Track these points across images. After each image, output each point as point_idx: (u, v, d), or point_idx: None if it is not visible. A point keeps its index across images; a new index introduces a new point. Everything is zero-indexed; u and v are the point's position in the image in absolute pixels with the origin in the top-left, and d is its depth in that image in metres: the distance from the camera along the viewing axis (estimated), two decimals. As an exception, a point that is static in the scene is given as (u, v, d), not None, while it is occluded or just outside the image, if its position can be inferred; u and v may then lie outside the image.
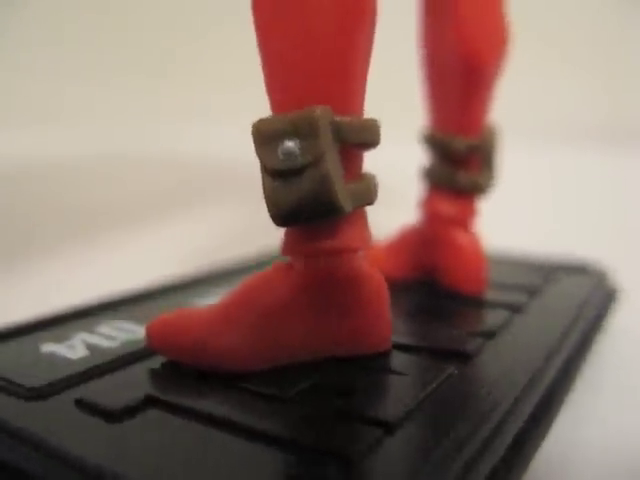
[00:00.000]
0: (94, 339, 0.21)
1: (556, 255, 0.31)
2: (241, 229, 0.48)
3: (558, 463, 0.19)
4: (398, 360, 0.19)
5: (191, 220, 0.53)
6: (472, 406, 0.16)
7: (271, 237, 0.19)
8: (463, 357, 0.19)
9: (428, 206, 0.26)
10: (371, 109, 0.18)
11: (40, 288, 0.34)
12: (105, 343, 0.20)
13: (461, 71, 0.24)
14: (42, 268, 0.39)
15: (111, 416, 0.16)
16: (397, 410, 0.15)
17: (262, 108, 0.18)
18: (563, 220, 0.45)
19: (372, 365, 0.18)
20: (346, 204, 0.17)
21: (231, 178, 0.63)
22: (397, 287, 0.23)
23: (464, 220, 0.25)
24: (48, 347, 0.20)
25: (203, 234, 0.48)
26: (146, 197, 0.62)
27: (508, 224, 0.37)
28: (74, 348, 0.20)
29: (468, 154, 0.24)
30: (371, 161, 0.19)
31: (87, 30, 0.99)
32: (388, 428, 0.15)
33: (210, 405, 0.16)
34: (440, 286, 0.25)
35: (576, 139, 0.68)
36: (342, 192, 0.17)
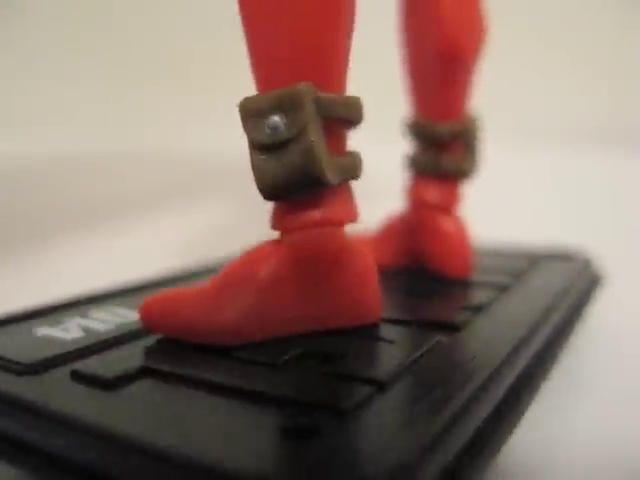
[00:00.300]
0: (89, 323, 0.21)
1: (543, 244, 0.31)
2: (238, 222, 0.49)
3: (535, 452, 0.19)
4: (387, 330, 0.19)
5: (189, 214, 0.54)
6: (458, 369, 0.17)
7: (267, 229, 0.19)
8: (451, 328, 0.19)
9: (413, 193, 0.26)
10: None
11: (39, 279, 0.35)
12: (100, 326, 0.20)
13: (441, 58, 0.24)
14: (41, 259, 0.39)
15: (106, 385, 0.16)
16: (387, 370, 0.16)
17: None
18: (558, 217, 0.46)
19: (362, 334, 0.19)
20: (331, 176, 0.17)
21: (230, 173, 0.64)
22: (386, 272, 0.24)
23: (449, 205, 0.26)
24: (43, 330, 0.20)
25: (200, 228, 0.49)
26: (145, 192, 0.63)
27: (504, 221, 0.37)
28: (69, 330, 0.20)
29: (451, 139, 0.25)
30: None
31: (86, 27, 1.00)
32: (379, 386, 0.15)
33: (204, 372, 0.16)
34: (428, 271, 0.26)
35: (575, 139, 0.69)
36: (327, 164, 0.17)
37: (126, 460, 0.13)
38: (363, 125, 0.19)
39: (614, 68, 0.80)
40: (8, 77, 0.97)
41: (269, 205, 0.19)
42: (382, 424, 0.14)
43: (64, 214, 0.54)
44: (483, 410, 0.15)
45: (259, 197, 0.18)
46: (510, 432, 0.16)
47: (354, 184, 0.19)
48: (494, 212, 0.29)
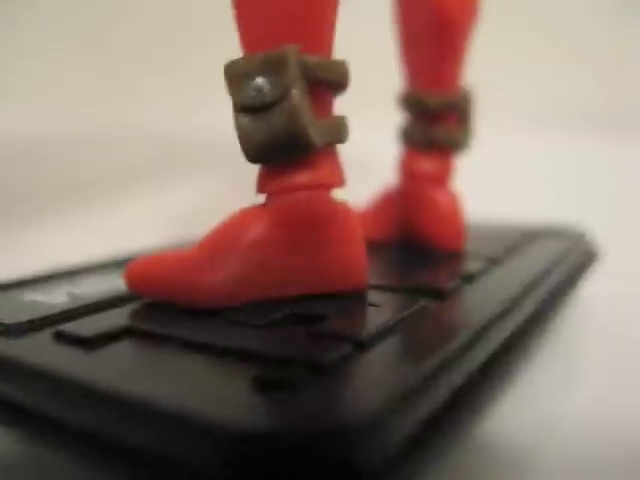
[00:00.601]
0: (77, 289, 0.21)
1: (538, 220, 0.31)
2: (224, 199, 0.49)
3: (524, 431, 0.19)
4: (373, 296, 0.19)
5: (174, 190, 0.54)
6: (440, 331, 0.17)
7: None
8: (437, 294, 0.19)
9: (405, 165, 0.26)
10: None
11: (22, 256, 0.35)
12: (88, 291, 0.20)
13: (433, 28, 0.24)
14: (25, 236, 0.40)
15: (88, 343, 0.16)
16: (369, 330, 0.16)
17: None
18: (554, 198, 0.46)
19: (348, 298, 0.18)
20: (316, 138, 0.17)
21: (216, 152, 0.64)
22: (377, 245, 0.24)
23: (442, 177, 0.26)
24: (30, 296, 0.20)
25: (186, 204, 0.49)
26: (130, 169, 0.63)
27: (499, 200, 0.37)
28: (56, 296, 0.20)
29: (444, 111, 0.25)
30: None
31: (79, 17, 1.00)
32: (359, 344, 0.15)
33: (187, 332, 0.16)
34: (420, 243, 0.26)
35: (573, 121, 0.68)
36: (311, 126, 0.17)
37: (106, 413, 0.13)
38: (354, 98, 0.19)
39: (613, 51, 0.79)
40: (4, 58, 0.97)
41: (254, 182, 0.19)
42: (359, 379, 0.14)
43: (48, 192, 0.54)
44: (463, 369, 0.15)
45: (245, 174, 0.18)
46: (491, 395, 0.16)
47: (346, 159, 0.19)
48: (489, 192, 0.29)
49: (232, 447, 0.11)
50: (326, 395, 0.13)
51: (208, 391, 0.13)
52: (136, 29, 0.97)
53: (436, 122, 0.25)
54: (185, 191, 0.55)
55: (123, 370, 0.14)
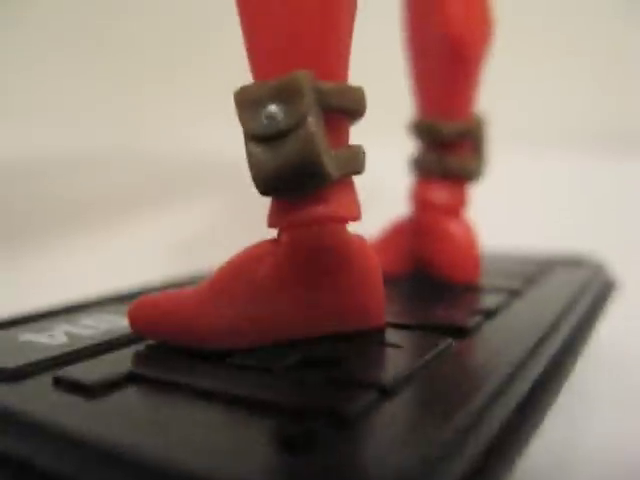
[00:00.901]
0: (75, 329, 0.20)
1: (554, 249, 0.30)
2: (232, 225, 0.48)
3: (552, 462, 0.18)
4: (393, 335, 0.18)
5: (182, 215, 0.53)
6: (468, 375, 0.16)
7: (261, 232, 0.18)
8: (461, 332, 0.18)
9: (419, 195, 0.25)
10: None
11: (28, 280, 0.34)
12: (86, 332, 0.19)
13: (447, 56, 0.23)
14: (32, 260, 0.39)
15: (90, 392, 0.15)
16: (393, 375, 0.15)
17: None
18: (563, 222, 0.45)
19: (365, 339, 0.17)
20: (331, 169, 0.16)
21: (224, 175, 0.63)
22: (391, 278, 0.23)
23: (456, 208, 0.25)
24: (26, 336, 0.19)
25: (193, 229, 0.48)
26: (137, 192, 0.62)
27: (508, 225, 0.36)
28: (54, 337, 0.19)
29: (458, 139, 0.24)
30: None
31: (82, 27, 0.99)
32: (384, 392, 0.14)
33: (195, 378, 0.15)
34: (434, 276, 0.25)
35: (584, 143, 0.68)
36: (327, 156, 0.16)
37: (108, 469, 0.12)
38: (366, 125, 0.18)
39: (615, 71, 0.79)
40: (7, 73, 0.97)
41: (263, 207, 0.18)
42: (386, 432, 0.13)
43: (47, 214, 0.53)
44: (495, 417, 0.14)
45: (253, 199, 0.17)
46: (525, 442, 0.15)
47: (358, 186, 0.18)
48: (501, 217, 0.28)
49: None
50: (352, 453, 0.12)
51: (224, 449, 0.12)
52: (137, 50, 0.97)
53: (449, 151, 0.24)
54: (186, 214, 0.54)
55: (129, 423, 0.13)
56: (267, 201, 0.18)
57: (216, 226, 0.49)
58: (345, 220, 0.17)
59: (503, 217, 0.41)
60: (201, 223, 0.50)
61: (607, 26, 0.79)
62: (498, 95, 0.25)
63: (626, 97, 0.76)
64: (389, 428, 0.13)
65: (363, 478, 0.11)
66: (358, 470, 0.11)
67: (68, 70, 0.97)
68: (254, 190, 0.17)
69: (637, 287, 0.29)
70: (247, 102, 0.16)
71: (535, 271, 0.26)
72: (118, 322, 0.20)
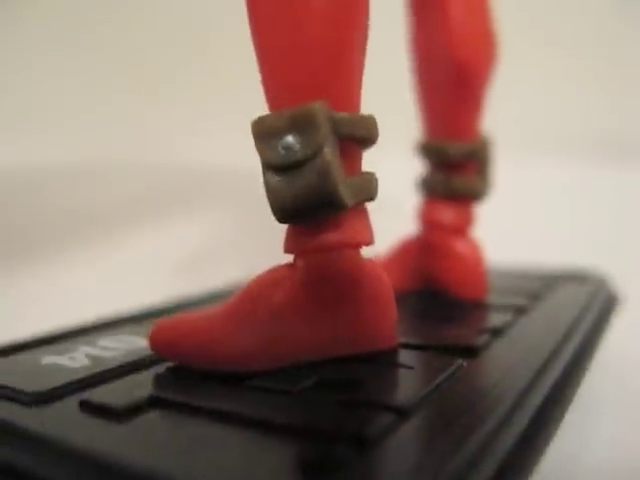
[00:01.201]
0: (95, 351, 0.20)
1: (556, 265, 0.31)
2: (237, 236, 0.48)
3: (558, 472, 0.18)
4: (405, 356, 0.18)
5: (187, 227, 0.54)
6: (481, 395, 0.16)
7: (266, 244, 0.19)
8: (471, 351, 0.19)
9: (426, 215, 0.26)
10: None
11: (32, 295, 0.34)
12: (107, 354, 0.20)
13: (453, 78, 0.24)
14: (35, 273, 0.39)
15: (116, 415, 0.15)
16: (408, 397, 0.15)
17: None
18: (563, 234, 0.45)
19: (379, 360, 0.18)
20: (347, 197, 0.17)
21: (228, 186, 0.63)
22: (400, 296, 0.23)
23: (463, 227, 0.25)
24: (49, 359, 0.20)
25: (198, 241, 0.48)
26: (141, 203, 0.62)
27: (507, 238, 0.37)
28: (75, 359, 0.20)
29: (464, 160, 0.25)
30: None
31: (83, 34, 1.00)
32: (401, 413, 0.14)
33: (216, 401, 0.16)
34: (442, 294, 0.25)
35: (575, 152, 0.68)
36: (342, 185, 0.17)
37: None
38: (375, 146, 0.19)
39: (613, 79, 0.80)
40: (7, 80, 0.97)
41: (267, 219, 0.18)
42: (405, 454, 0.13)
43: (53, 226, 0.53)
44: (510, 437, 0.15)
45: (255, 212, 0.17)
46: (538, 460, 0.15)
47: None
48: (501, 229, 0.29)
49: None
50: (372, 474, 0.12)
51: (247, 473, 0.12)
52: (138, 59, 0.98)
53: (456, 171, 0.25)
54: (187, 227, 0.54)
55: (156, 446, 0.14)
56: (269, 213, 0.18)
57: (218, 239, 0.49)
58: (359, 245, 0.18)
59: (503, 229, 0.42)
60: (203, 236, 0.51)
61: (606, 32, 0.79)
62: (497, 103, 0.26)
63: (626, 104, 0.76)
64: (407, 450, 0.13)
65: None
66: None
67: (68, 79, 0.98)
68: (255, 203, 0.17)
69: (639, 298, 0.29)
70: (264, 133, 0.17)
71: (540, 287, 0.27)
72: (136, 343, 0.21)
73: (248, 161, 0.18)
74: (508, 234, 0.41)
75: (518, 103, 0.71)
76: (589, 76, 0.79)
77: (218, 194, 0.64)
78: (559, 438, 0.20)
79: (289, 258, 0.18)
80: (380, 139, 0.19)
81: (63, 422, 0.15)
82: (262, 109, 0.18)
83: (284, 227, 0.18)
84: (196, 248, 0.47)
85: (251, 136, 0.17)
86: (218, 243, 0.48)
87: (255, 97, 0.19)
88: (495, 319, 0.22)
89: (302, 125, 0.16)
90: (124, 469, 0.13)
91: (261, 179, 0.17)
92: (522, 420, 0.15)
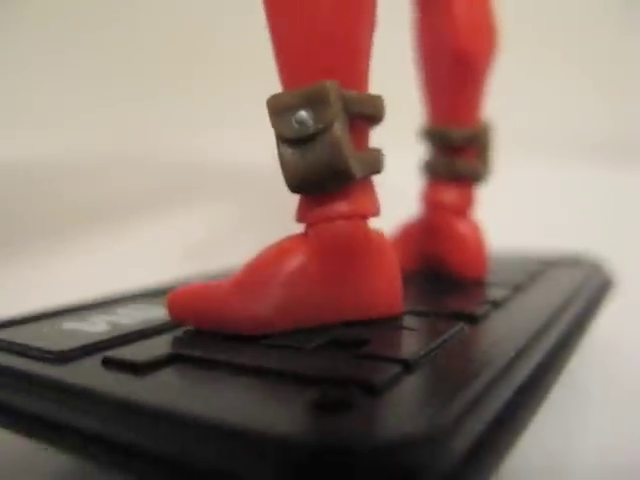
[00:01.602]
0: (114, 318, 0.21)
1: (553, 250, 0.32)
2: (239, 226, 0.49)
3: (547, 460, 0.19)
4: (410, 320, 0.19)
5: (190, 217, 0.54)
6: (481, 353, 0.17)
7: (263, 236, 0.20)
8: (472, 318, 0.20)
9: (428, 197, 0.27)
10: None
11: (38, 284, 0.35)
12: (126, 320, 0.21)
13: (455, 65, 0.25)
14: (40, 263, 0.40)
15: (137, 369, 0.16)
16: (413, 352, 0.16)
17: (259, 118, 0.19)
18: (567, 228, 0.46)
19: (385, 324, 0.19)
20: (356, 169, 0.18)
21: (231, 178, 0.64)
22: (404, 275, 0.24)
23: (464, 208, 0.26)
24: (70, 325, 0.21)
25: (201, 232, 0.49)
26: (144, 195, 0.63)
27: (507, 234, 0.38)
28: (95, 324, 0.20)
29: (466, 144, 0.26)
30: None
31: (85, 29, 1.00)
32: (407, 366, 0.15)
33: (234, 356, 0.17)
34: (445, 273, 0.26)
35: (576, 148, 0.69)
36: (352, 157, 0.18)
37: (162, 432, 0.14)
38: (378, 128, 0.20)
39: (616, 80, 0.81)
40: (8, 79, 0.98)
41: (269, 211, 0.19)
42: (410, 400, 0.14)
43: (54, 219, 0.54)
44: (505, 389, 0.16)
45: (255, 204, 0.18)
46: (530, 413, 0.16)
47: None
48: (503, 220, 0.30)
49: (303, 463, 0.12)
50: (382, 415, 0.13)
51: (268, 411, 0.13)
52: (140, 54, 0.98)
53: (458, 155, 0.26)
54: (188, 219, 0.55)
55: (178, 393, 0.15)
56: (269, 206, 0.19)
57: (218, 231, 0.50)
58: (366, 216, 0.19)
59: (505, 220, 0.43)
60: (204, 228, 0.51)
61: (606, 33, 0.80)
62: (498, 102, 0.27)
63: (626, 104, 0.77)
64: (411, 396, 0.14)
65: (391, 435, 0.13)
66: (387, 429, 0.13)
67: (69, 75, 0.98)
68: (256, 195, 0.19)
69: (633, 286, 0.30)
70: (279, 108, 0.18)
71: (537, 269, 0.28)
72: (153, 312, 0.22)
73: (249, 155, 0.19)
74: (508, 230, 0.42)
75: (519, 103, 0.72)
76: (590, 76, 0.80)
77: (219, 186, 0.64)
78: (548, 424, 0.21)
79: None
80: (383, 123, 0.20)
81: (88, 376, 0.16)
82: (262, 103, 0.19)
83: (285, 217, 0.19)
84: (198, 240, 0.47)
85: (252, 131, 0.18)
86: (218, 235, 0.48)
87: (255, 91, 0.20)
88: (494, 293, 0.23)
89: (315, 101, 0.18)
90: (146, 412, 0.14)
91: (261, 172, 0.18)
92: (517, 375, 0.16)
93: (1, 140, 0.80)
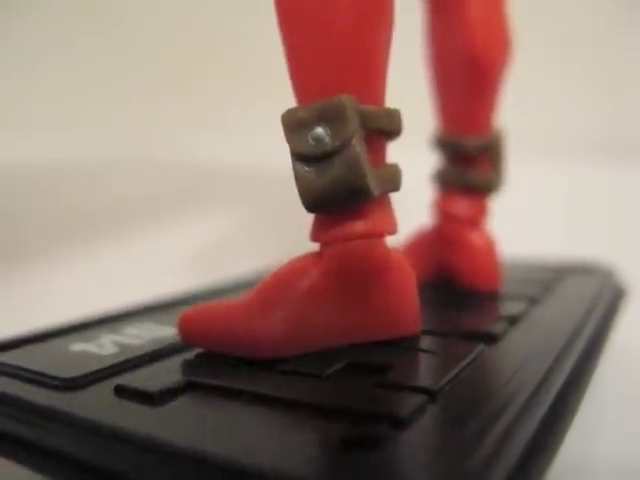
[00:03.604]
0: (122, 339, 0.21)
1: (564, 257, 0.31)
2: (244, 233, 0.49)
3: (565, 463, 0.19)
4: (428, 342, 0.19)
5: (193, 224, 0.54)
6: (504, 379, 0.17)
7: (269, 241, 0.19)
8: (491, 338, 0.19)
9: (441, 207, 0.26)
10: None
11: (36, 294, 0.34)
12: (133, 341, 0.20)
13: (468, 74, 0.25)
14: (38, 272, 0.39)
15: (152, 399, 0.16)
16: (436, 380, 0.16)
17: (264, 121, 0.19)
18: (567, 231, 0.46)
19: (403, 346, 0.18)
20: (374, 187, 0.17)
21: (234, 184, 0.63)
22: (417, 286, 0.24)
23: (477, 219, 0.26)
24: (77, 346, 0.20)
25: (204, 239, 0.48)
26: (147, 202, 0.62)
27: (512, 234, 0.37)
28: (103, 346, 0.20)
29: (479, 153, 0.25)
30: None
31: (86, 33, 0.99)
32: (431, 395, 0.15)
33: (249, 385, 0.16)
34: (458, 284, 0.26)
35: (579, 151, 0.69)
36: (370, 175, 0.17)
37: (180, 471, 0.13)
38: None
39: (614, 80, 0.80)
40: (10, 81, 0.97)
41: (276, 216, 0.19)
42: (438, 432, 0.14)
43: (63, 224, 0.53)
44: (533, 421, 0.15)
45: (266, 207, 0.18)
46: (561, 441, 0.16)
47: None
48: (506, 227, 0.29)
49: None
50: (411, 452, 0.13)
51: (290, 451, 0.13)
52: (153, 59, 0.98)
53: (471, 164, 0.26)
54: (192, 225, 0.54)
55: (194, 428, 0.14)
56: (277, 212, 0.18)
57: (224, 237, 0.49)
58: (384, 235, 0.18)
59: (506, 225, 0.42)
60: (209, 235, 0.51)
61: (606, 33, 0.80)
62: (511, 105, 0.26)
63: (627, 104, 0.77)
64: (438, 430, 0.14)
65: (421, 474, 0.12)
66: (418, 467, 0.12)
67: (73, 79, 0.98)
68: (266, 201, 0.18)
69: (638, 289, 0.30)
70: (294, 124, 0.17)
71: (550, 279, 0.27)
72: (161, 331, 0.21)
73: (254, 159, 0.18)
74: (513, 230, 0.41)
75: (519, 103, 0.72)
76: (590, 76, 0.79)
77: (228, 191, 0.64)
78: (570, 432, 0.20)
79: (303, 249, 0.19)
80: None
81: (100, 406, 0.16)
82: (268, 107, 0.18)
83: (290, 222, 0.19)
84: (203, 247, 0.47)
85: (257, 134, 0.18)
86: (226, 241, 0.48)
87: (260, 96, 0.19)
88: (510, 308, 0.22)
89: (331, 117, 0.17)
90: (162, 449, 0.13)
91: (271, 177, 0.18)
92: (544, 404, 0.16)
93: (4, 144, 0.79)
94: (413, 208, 0.28)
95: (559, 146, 0.70)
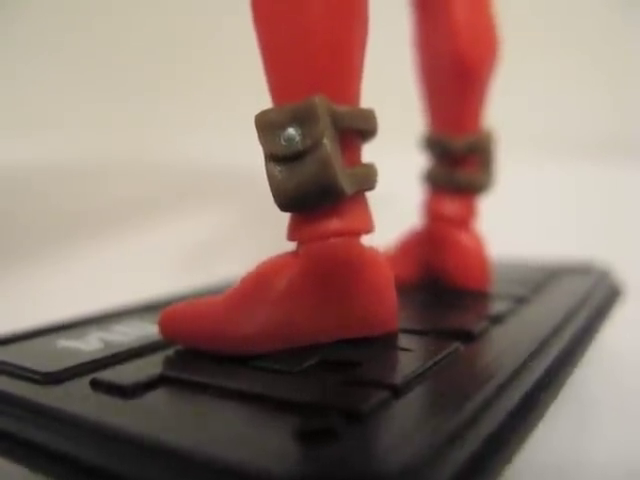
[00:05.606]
0: (108, 336, 0.21)
1: (559, 257, 0.31)
2: (236, 232, 0.49)
3: (555, 467, 0.19)
4: (404, 339, 0.19)
5: (186, 223, 0.54)
6: (473, 376, 0.17)
7: (262, 241, 0.19)
8: (469, 336, 0.19)
9: (429, 207, 0.26)
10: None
11: (32, 293, 0.35)
12: (119, 338, 0.21)
13: (455, 74, 0.25)
14: (34, 271, 0.40)
15: (125, 392, 0.16)
16: (403, 376, 0.16)
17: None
18: (565, 230, 0.45)
19: (379, 343, 0.19)
20: (346, 186, 0.17)
21: (229, 182, 0.64)
22: (403, 287, 0.24)
23: (466, 219, 0.26)
24: (64, 343, 0.21)
25: (197, 239, 0.49)
26: (141, 201, 0.63)
27: (510, 234, 0.37)
28: (89, 342, 0.20)
29: (467, 153, 0.25)
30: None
31: (83, 31, 1.00)
32: (395, 391, 0.15)
33: (222, 380, 0.16)
34: (447, 284, 0.26)
35: (577, 150, 0.68)
36: (342, 174, 0.17)
37: (145, 461, 0.13)
38: (378, 138, 0.19)
39: (616, 78, 0.80)
40: (6, 83, 0.98)
41: (265, 216, 0.19)
42: (396, 427, 0.14)
43: (57, 226, 0.54)
44: (496, 417, 0.15)
45: (255, 207, 0.18)
46: (523, 440, 0.16)
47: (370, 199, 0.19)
48: (504, 227, 0.29)
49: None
50: (366, 444, 0.13)
51: (251, 442, 0.13)
52: (148, 58, 0.98)
53: (459, 164, 0.26)
54: (184, 224, 0.54)
55: (163, 420, 0.15)
56: (269, 211, 0.19)
57: (217, 237, 0.50)
58: (359, 233, 0.18)
59: (504, 225, 0.42)
60: (202, 234, 0.51)
61: (609, 32, 0.79)
62: (500, 102, 0.26)
63: (629, 103, 0.76)
64: (398, 424, 0.14)
65: (375, 466, 0.12)
66: (371, 459, 0.13)
67: (69, 79, 0.98)
68: (259, 201, 0.18)
69: (636, 290, 0.30)
70: (267, 125, 0.18)
71: (542, 279, 0.27)
72: (148, 329, 0.22)
73: (248, 158, 0.18)
74: (511, 230, 0.41)
75: (519, 103, 0.72)
76: (592, 75, 0.79)
77: (218, 191, 0.64)
78: (555, 431, 0.20)
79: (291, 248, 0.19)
80: (383, 134, 0.19)
81: (74, 399, 0.16)
82: (261, 107, 0.19)
83: (284, 222, 0.19)
84: (195, 247, 0.47)
85: (251, 133, 0.18)
86: (219, 240, 0.48)
87: (254, 95, 0.20)
88: (495, 307, 0.23)
89: (303, 118, 0.17)
90: (132, 440, 0.14)
91: (260, 175, 0.18)
92: (510, 400, 0.16)
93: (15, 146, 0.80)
94: (405, 209, 0.28)
95: (559, 146, 0.70)
